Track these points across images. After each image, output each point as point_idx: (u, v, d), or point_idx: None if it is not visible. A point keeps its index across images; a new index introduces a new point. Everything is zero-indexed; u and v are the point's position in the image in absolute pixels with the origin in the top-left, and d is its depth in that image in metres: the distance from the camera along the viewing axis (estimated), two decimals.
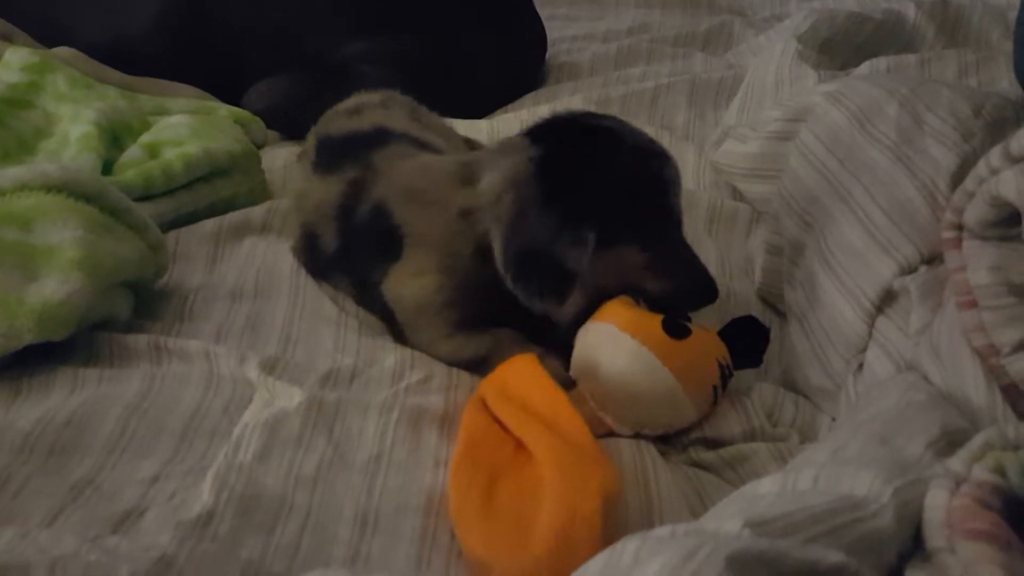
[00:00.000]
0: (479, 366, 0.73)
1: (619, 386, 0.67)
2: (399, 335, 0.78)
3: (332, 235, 0.81)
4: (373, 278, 0.77)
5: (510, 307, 0.71)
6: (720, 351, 0.70)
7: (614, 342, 0.68)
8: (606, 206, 0.70)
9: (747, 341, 0.73)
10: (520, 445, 0.63)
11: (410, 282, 0.75)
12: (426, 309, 0.75)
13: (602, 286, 0.72)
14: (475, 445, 0.63)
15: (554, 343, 0.73)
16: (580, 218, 0.69)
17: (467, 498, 0.60)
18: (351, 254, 0.80)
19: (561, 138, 0.73)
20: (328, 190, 0.82)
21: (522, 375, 0.66)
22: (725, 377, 0.70)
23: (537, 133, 0.74)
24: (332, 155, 0.84)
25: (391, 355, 0.77)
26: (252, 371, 0.72)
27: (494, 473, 0.61)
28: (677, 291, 0.73)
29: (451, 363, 0.74)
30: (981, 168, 0.56)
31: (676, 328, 0.69)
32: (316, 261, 0.84)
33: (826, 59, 1.14)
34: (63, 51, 1.23)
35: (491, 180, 0.72)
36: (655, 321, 0.69)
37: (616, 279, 0.72)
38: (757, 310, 0.86)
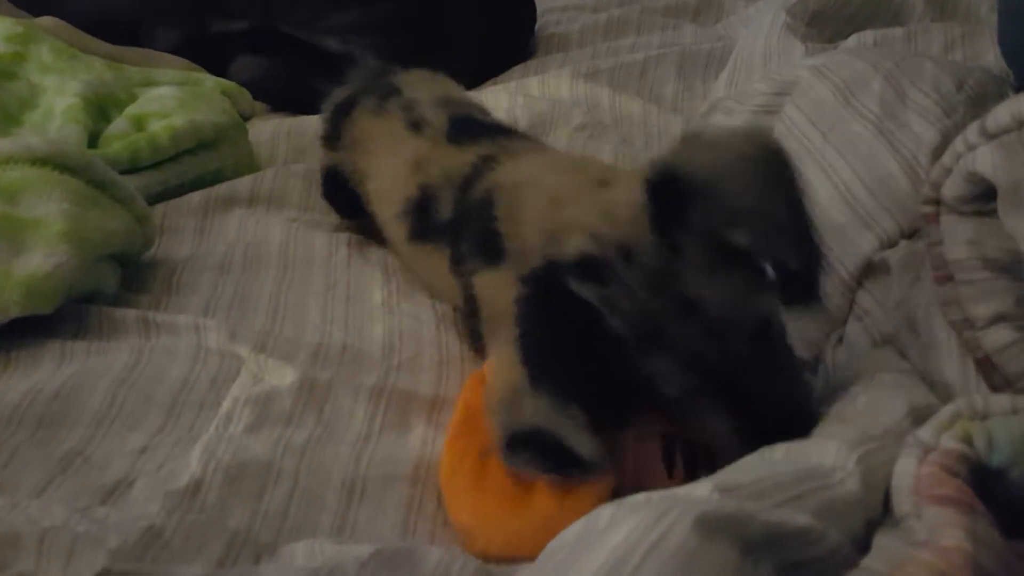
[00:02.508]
0: None
1: None
2: (471, 318, 0.72)
3: (448, 205, 0.76)
4: (470, 266, 0.71)
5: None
6: None
7: None
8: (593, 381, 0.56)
9: None
10: None
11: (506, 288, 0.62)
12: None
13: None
14: (473, 415, 0.64)
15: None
16: (568, 396, 0.56)
17: (460, 467, 0.60)
18: (460, 229, 0.74)
19: (544, 304, 0.58)
20: (458, 160, 0.77)
21: None
22: None
23: (526, 296, 0.59)
24: (468, 133, 0.80)
25: (379, 325, 0.78)
26: (241, 346, 0.73)
27: (489, 445, 0.62)
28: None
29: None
30: (958, 144, 0.57)
31: None
32: (427, 223, 0.78)
33: (815, 31, 1.13)
34: (47, 21, 1.22)
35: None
36: None
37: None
38: None
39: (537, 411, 0.57)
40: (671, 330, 0.55)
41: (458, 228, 0.74)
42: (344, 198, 0.91)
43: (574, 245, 0.58)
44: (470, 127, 0.82)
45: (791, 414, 0.55)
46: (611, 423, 0.58)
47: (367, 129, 0.87)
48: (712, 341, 0.54)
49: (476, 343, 0.74)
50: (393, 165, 0.83)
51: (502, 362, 0.60)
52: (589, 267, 0.56)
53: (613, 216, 0.58)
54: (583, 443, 0.56)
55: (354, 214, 0.91)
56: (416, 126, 0.83)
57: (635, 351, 0.56)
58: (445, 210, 0.76)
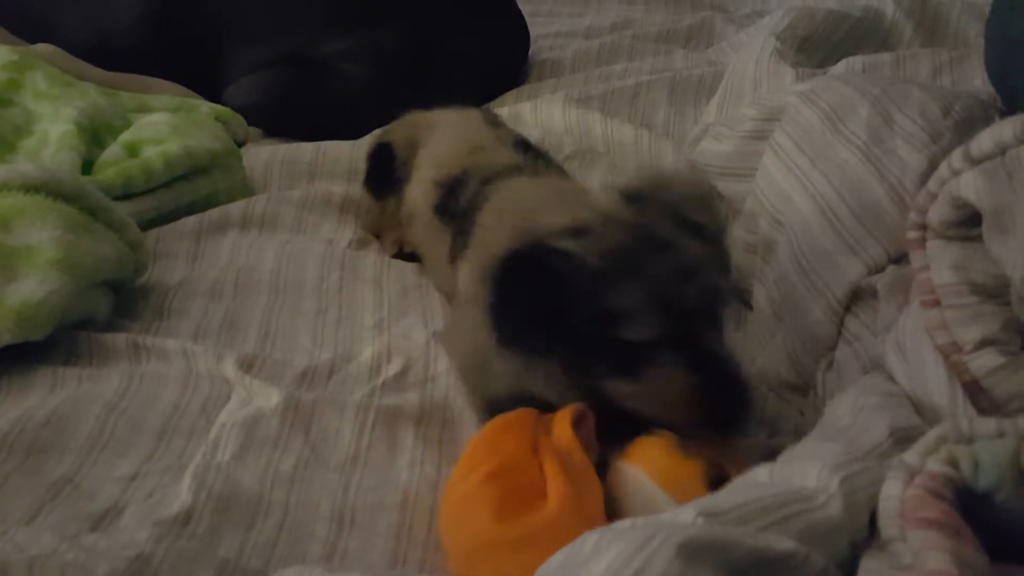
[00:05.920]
0: None
1: None
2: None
3: (467, 195, 0.84)
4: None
5: None
6: None
7: (652, 502, 0.58)
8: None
9: None
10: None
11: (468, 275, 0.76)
12: None
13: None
14: (508, 430, 0.63)
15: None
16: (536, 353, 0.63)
17: (464, 478, 0.60)
18: (463, 220, 0.82)
19: (516, 280, 0.63)
20: (501, 159, 0.87)
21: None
22: None
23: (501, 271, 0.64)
24: (524, 147, 0.91)
25: (368, 347, 0.78)
26: (230, 369, 0.73)
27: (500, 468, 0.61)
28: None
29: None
30: (943, 169, 0.58)
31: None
32: (448, 203, 0.86)
33: (804, 57, 1.15)
34: (44, 48, 1.23)
35: None
36: (700, 484, 0.57)
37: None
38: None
39: (509, 373, 0.65)
40: (648, 267, 0.59)
41: (463, 219, 0.81)
42: (382, 176, 0.98)
43: (553, 221, 0.64)
44: (528, 145, 0.92)
45: (745, 382, 0.59)
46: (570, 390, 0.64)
47: (438, 114, 0.97)
48: (686, 282, 0.59)
49: None
50: (453, 142, 0.91)
51: (463, 330, 0.68)
52: (573, 230, 0.62)
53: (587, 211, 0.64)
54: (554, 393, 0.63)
55: (385, 193, 0.98)
56: (494, 124, 0.95)
57: (610, 293, 0.59)
58: (464, 198, 0.83)
